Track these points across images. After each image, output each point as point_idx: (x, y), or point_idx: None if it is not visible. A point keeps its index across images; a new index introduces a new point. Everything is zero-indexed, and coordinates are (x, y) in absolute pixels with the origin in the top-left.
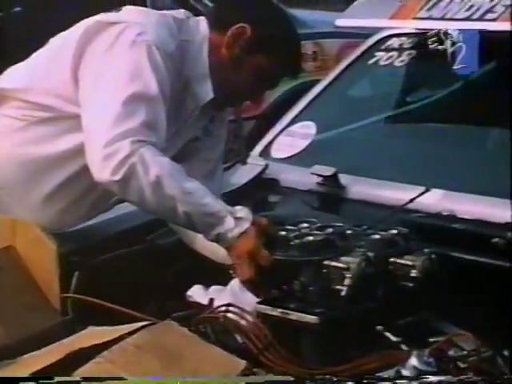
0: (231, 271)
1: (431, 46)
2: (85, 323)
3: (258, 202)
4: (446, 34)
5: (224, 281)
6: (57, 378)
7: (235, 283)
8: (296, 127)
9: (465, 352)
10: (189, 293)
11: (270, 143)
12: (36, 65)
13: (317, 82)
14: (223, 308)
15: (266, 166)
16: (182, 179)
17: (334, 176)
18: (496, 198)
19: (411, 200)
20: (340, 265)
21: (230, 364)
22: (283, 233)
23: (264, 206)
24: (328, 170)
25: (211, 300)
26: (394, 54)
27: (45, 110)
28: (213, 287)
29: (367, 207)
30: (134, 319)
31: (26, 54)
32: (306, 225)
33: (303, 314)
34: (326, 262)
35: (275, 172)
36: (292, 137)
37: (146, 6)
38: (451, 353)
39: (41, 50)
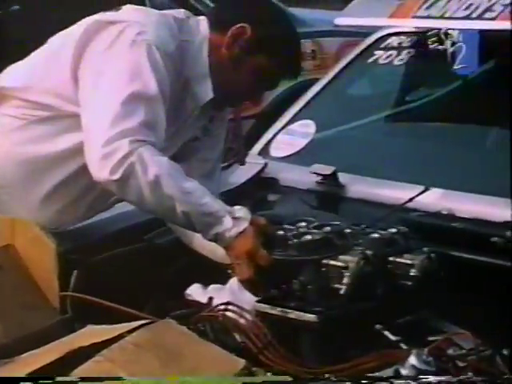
0: (230, 271)
1: (431, 46)
2: (84, 322)
3: (257, 200)
4: (445, 33)
5: (223, 279)
6: (57, 379)
7: (234, 282)
8: (295, 126)
9: (464, 351)
10: (188, 291)
11: (269, 142)
12: (35, 64)
13: (316, 80)
14: (222, 307)
15: (265, 165)
16: (180, 179)
17: (334, 175)
18: (495, 196)
19: (410, 199)
20: (339, 264)
21: (229, 363)
22: (281, 232)
23: (263, 204)
24: (327, 169)
25: (210, 299)
26: (394, 52)
27: (44, 109)
28: (212, 286)
29: (366, 206)
30: (133, 318)
31: (24, 52)
32: (303, 224)
33: (302, 313)
34: (324, 261)
35: (274, 171)
36: (291, 135)
37: (144, 6)
38: (450, 352)
39: (40, 49)
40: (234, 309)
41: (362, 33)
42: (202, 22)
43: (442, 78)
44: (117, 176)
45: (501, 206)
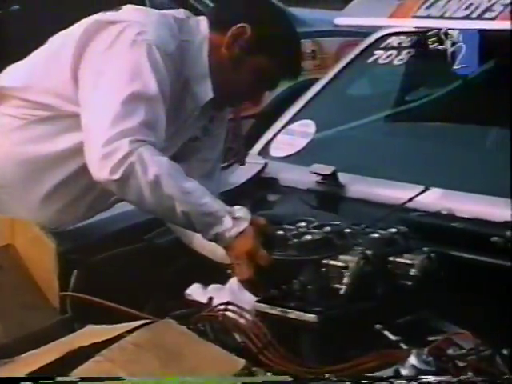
0: (230, 271)
1: (431, 46)
2: (84, 322)
3: (257, 200)
4: (445, 33)
5: (223, 279)
6: (57, 379)
7: (234, 282)
8: (295, 126)
9: (464, 351)
10: (188, 291)
11: (269, 142)
12: (35, 63)
13: (316, 80)
14: (222, 306)
15: (265, 165)
16: (180, 179)
17: (333, 175)
18: (495, 196)
19: (410, 199)
20: (339, 263)
21: (229, 363)
22: (281, 232)
23: (263, 204)
24: (327, 169)
25: (210, 298)
26: (393, 52)
27: (44, 109)
28: (212, 286)
29: (366, 206)
30: (133, 318)
31: (24, 52)
32: (303, 224)
33: (302, 313)
34: (324, 261)
35: (274, 171)
36: (291, 135)
37: (144, 5)
38: (450, 352)
39: (40, 49)
40: (234, 309)
41: (362, 33)
42: (202, 22)
43: (442, 78)
44: (117, 176)
45: (501, 205)
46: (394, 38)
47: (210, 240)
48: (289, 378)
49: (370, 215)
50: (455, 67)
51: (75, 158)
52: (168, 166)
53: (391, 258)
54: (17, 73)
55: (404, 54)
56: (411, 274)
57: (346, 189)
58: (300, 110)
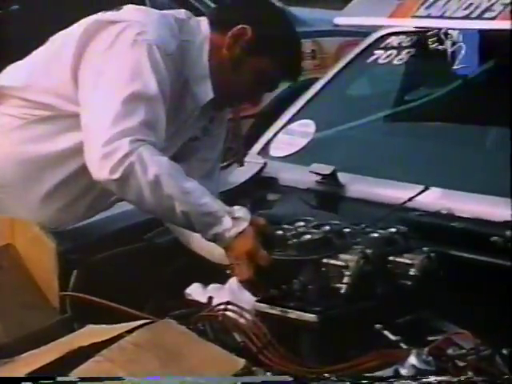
0: (229, 271)
1: (431, 46)
2: (84, 321)
3: (256, 200)
4: (445, 33)
5: (222, 279)
6: (57, 379)
7: (234, 281)
8: (295, 125)
9: (464, 351)
10: (187, 291)
11: (269, 141)
12: (36, 63)
13: (316, 80)
14: (222, 306)
15: (265, 165)
16: (180, 179)
17: (333, 174)
18: (495, 196)
19: (410, 198)
20: (338, 263)
21: (229, 362)
22: (281, 232)
23: (262, 204)
24: (327, 169)
25: (210, 298)
26: (393, 52)
27: (44, 109)
28: (211, 285)
29: (366, 206)
30: (133, 318)
31: (24, 52)
32: (302, 223)
33: (302, 313)
34: (324, 261)
35: (274, 170)
36: (291, 135)
37: (145, 5)
38: (450, 351)
39: (40, 49)
40: (234, 308)
41: (362, 32)
42: (203, 23)
43: (442, 78)
44: (117, 175)
45: (501, 205)
46: (393, 37)
47: (210, 240)
48: (289, 378)
49: (369, 215)
50: (455, 67)
51: (75, 157)
52: (168, 165)
53: (391, 258)
54: (17, 72)
55: (404, 54)
56: (411, 273)
57: (346, 188)
58: (300, 110)
